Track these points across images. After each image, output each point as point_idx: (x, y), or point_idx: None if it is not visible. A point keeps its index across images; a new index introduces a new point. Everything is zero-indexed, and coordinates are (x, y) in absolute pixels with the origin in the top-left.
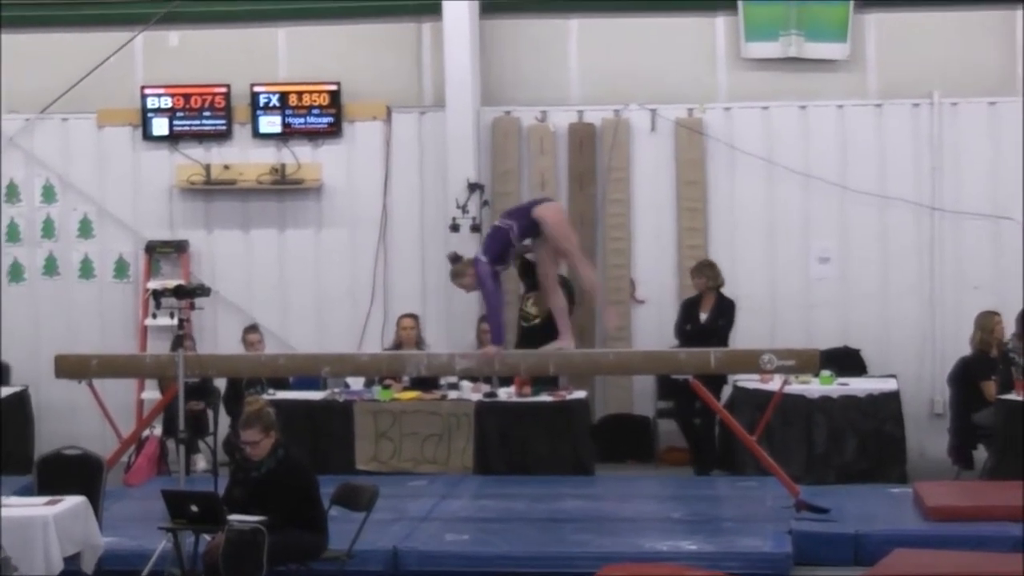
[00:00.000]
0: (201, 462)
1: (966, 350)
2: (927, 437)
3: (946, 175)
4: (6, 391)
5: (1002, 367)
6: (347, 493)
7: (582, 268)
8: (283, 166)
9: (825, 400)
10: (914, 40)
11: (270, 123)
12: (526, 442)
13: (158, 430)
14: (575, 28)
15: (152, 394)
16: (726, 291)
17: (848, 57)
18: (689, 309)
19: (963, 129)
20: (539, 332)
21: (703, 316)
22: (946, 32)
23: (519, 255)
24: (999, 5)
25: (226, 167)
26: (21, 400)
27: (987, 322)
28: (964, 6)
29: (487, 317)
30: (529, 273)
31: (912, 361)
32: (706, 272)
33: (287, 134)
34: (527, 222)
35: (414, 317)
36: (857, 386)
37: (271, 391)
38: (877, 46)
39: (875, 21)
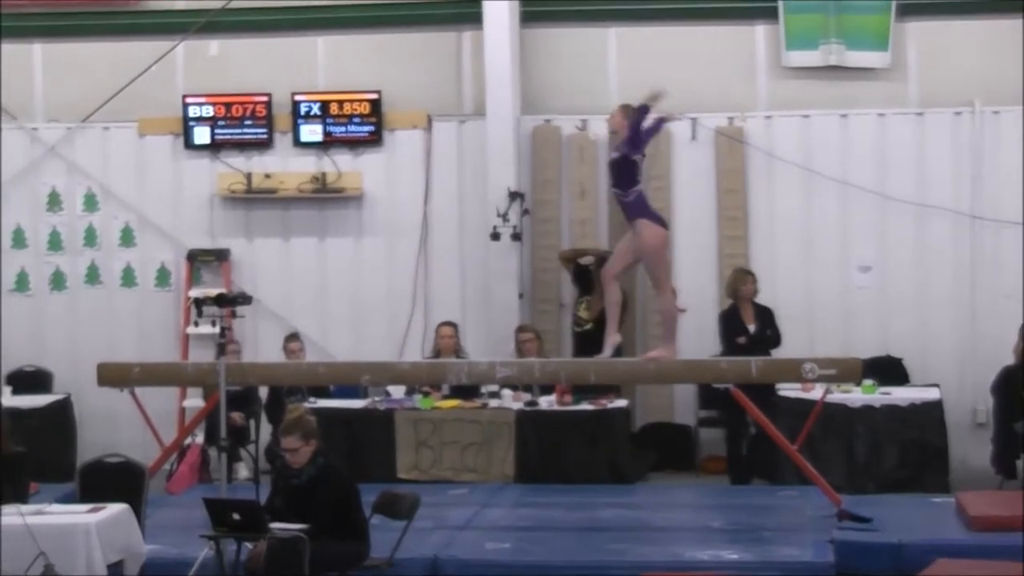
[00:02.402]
0: (243, 470)
1: (1009, 359)
2: (970, 446)
3: (986, 184)
4: (48, 399)
5: None
6: (388, 501)
7: (664, 294)
8: (324, 175)
9: (867, 409)
10: (955, 49)
11: (311, 132)
12: (567, 451)
13: (200, 438)
14: (615, 37)
15: (194, 402)
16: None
17: (889, 66)
18: (735, 321)
19: (1004, 138)
20: (592, 337)
21: (751, 327)
22: (987, 40)
23: (571, 260)
24: None
25: (267, 176)
26: (63, 408)
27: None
28: (1005, 15)
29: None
30: (583, 279)
31: (954, 370)
32: (752, 280)
33: (328, 143)
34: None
35: (453, 325)
36: (899, 395)
37: (312, 399)
38: (918, 55)
39: (916, 30)
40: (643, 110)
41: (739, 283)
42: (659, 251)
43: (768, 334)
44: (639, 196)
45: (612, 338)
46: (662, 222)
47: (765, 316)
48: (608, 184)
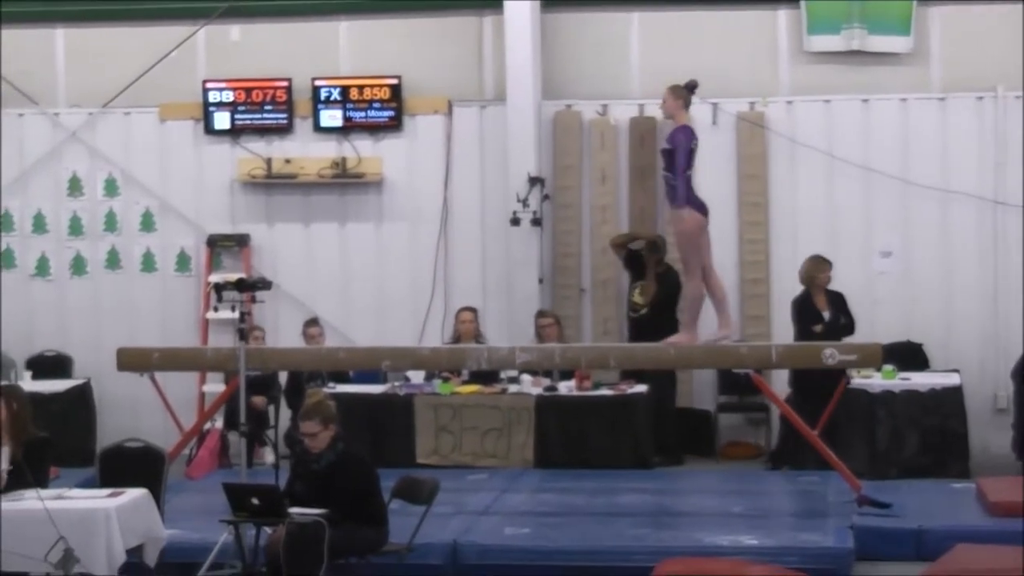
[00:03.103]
0: (269, 455)
1: None
2: (990, 432)
3: (1010, 169)
4: (69, 384)
5: None
6: (408, 486)
7: (691, 281)
8: (344, 160)
9: (887, 395)
10: (978, 33)
11: (331, 117)
12: (586, 436)
13: (220, 423)
14: (636, 22)
15: (214, 387)
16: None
17: (911, 50)
18: (810, 308)
19: None
20: (647, 322)
21: (825, 314)
22: (1010, 25)
23: (622, 244)
24: None
25: (287, 161)
26: (83, 393)
27: None
28: None
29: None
30: (635, 264)
31: (975, 356)
32: (828, 267)
33: (348, 128)
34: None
35: (473, 311)
36: (919, 381)
37: (332, 385)
38: (941, 39)
39: (939, 14)
40: (691, 87)
41: (816, 271)
42: (692, 238)
43: (842, 321)
44: (687, 181)
45: (686, 338)
46: (703, 208)
47: (839, 303)
48: (660, 167)
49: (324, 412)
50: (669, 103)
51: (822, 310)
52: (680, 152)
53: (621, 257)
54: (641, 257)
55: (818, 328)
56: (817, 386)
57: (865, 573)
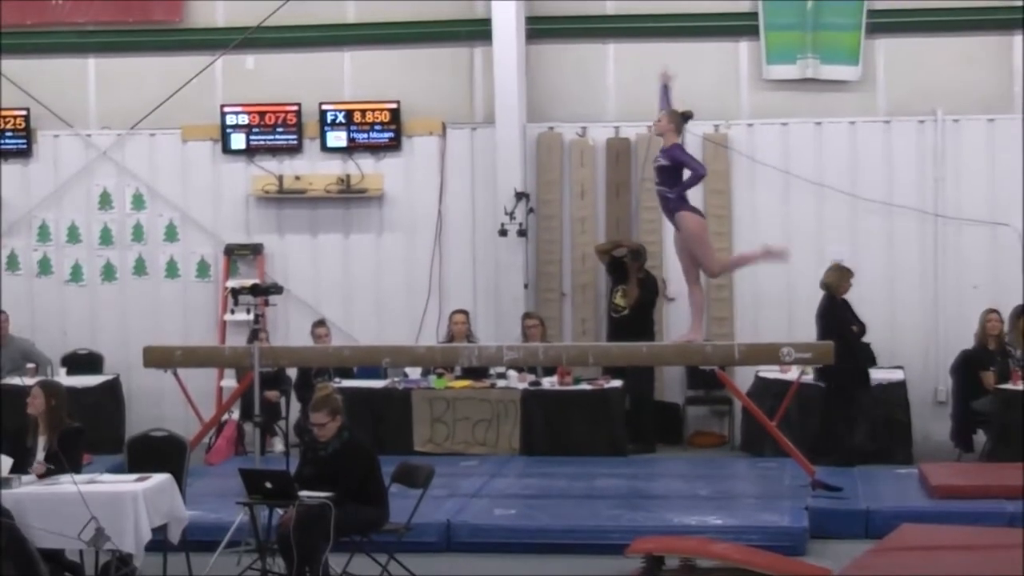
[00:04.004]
0: (279, 444)
1: (967, 344)
2: (931, 423)
3: (948, 185)
4: (100, 379)
5: (1000, 359)
6: (406, 472)
7: (711, 273)
8: (348, 177)
9: None
10: (919, 63)
11: (337, 138)
12: (567, 426)
13: (236, 414)
14: (612, 52)
15: (231, 382)
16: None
17: (859, 78)
18: (844, 311)
19: (964, 144)
20: (627, 322)
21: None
22: (949, 56)
23: (607, 251)
24: (997, 31)
25: (297, 178)
26: (113, 387)
27: (982, 318)
28: (965, 32)
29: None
30: (617, 269)
31: (918, 353)
32: (849, 276)
33: (352, 148)
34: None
35: (465, 313)
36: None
37: (337, 380)
38: (886, 68)
39: (884, 46)
40: (687, 116)
41: (841, 280)
42: (700, 235)
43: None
44: (681, 193)
45: (696, 336)
46: (699, 212)
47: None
48: (654, 182)
49: (332, 404)
50: (664, 123)
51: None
52: (687, 161)
53: (605, 263)
54: (624, 263)
55: (856, 328)
56: (846, 380)
57: (819, 550)
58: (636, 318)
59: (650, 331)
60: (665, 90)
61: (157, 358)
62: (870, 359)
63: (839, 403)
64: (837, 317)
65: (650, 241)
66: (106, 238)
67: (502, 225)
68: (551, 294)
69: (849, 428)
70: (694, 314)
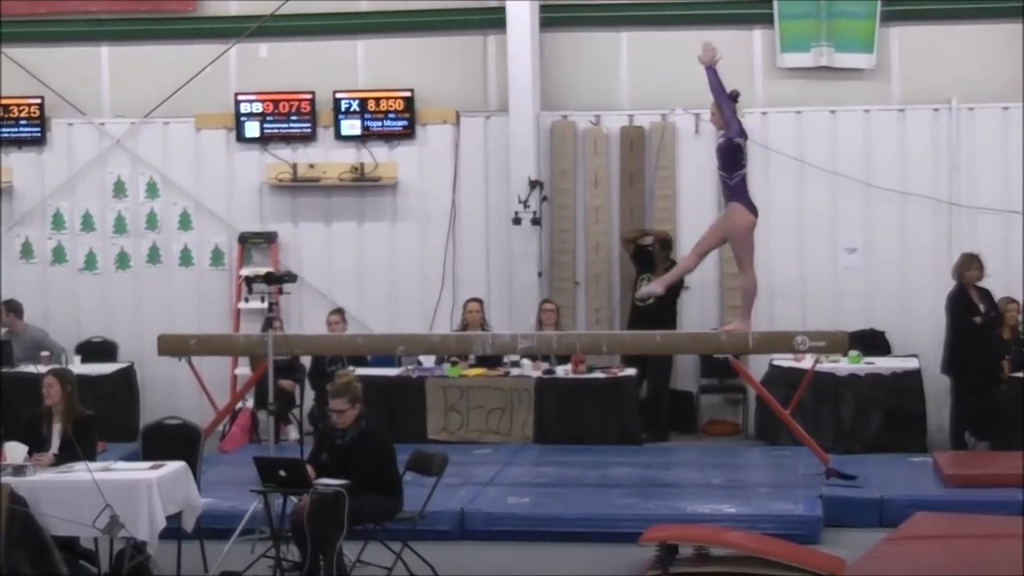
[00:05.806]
0: (293, 432)
1: None
2: (945, 412)
3: (962, 174)
4: (114, 367)
5: (1015, 348)
6: (420, 460)
7: (746, 273)
8: (362, 165)
9: (852, 378)
10: (934, 51)
11: (350, 126)
12: (581, 415)
13: (250, 402)
14: (625, 40)
15: (245, 370)
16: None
17: (874, 67)
18: (967, 302)
19: (978, 132)
20: (651, 312)
21: (981, 307)
22: (963, 44)
23: (633, 240)
24: (1012, 19)
25: (311, 166)
26: (127, 375)
27: (967, 272)
28: (980, 20)
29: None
30: (644, 258)
31: (932, 342)
32: (978, 265)
33: (366, 136)
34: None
35: (479, 301)
36: (882, 365)
37: (351, 368)
38: (900, 57)
39: (899, 34)
40: (735, 96)
41: (966, 268)
42: (746, 234)
43: (993, 314)
44: (741, 180)
45: (740, 326)
46: (754, 209)
47: (988, 297)
48: (715, 167)
49: (352, 392)
50: (718, 116)
51: (978, 303)
52: (731, 115)
53: (630, 251)
54: (650, 252)
55: (978, 319)
56: (971, 374)
57: (833, 538)
58: (662, 307)
59: (673, 321)
60: (713, 74)
61: (171, 346)
62: (1003, 350)
63: (964, 397)
64: (959, 306)
65: (664, 229)
66: (120, 226)
67: (516, 214)
68: (565, 283)
69: (976, 425)
70: (743, 301)
